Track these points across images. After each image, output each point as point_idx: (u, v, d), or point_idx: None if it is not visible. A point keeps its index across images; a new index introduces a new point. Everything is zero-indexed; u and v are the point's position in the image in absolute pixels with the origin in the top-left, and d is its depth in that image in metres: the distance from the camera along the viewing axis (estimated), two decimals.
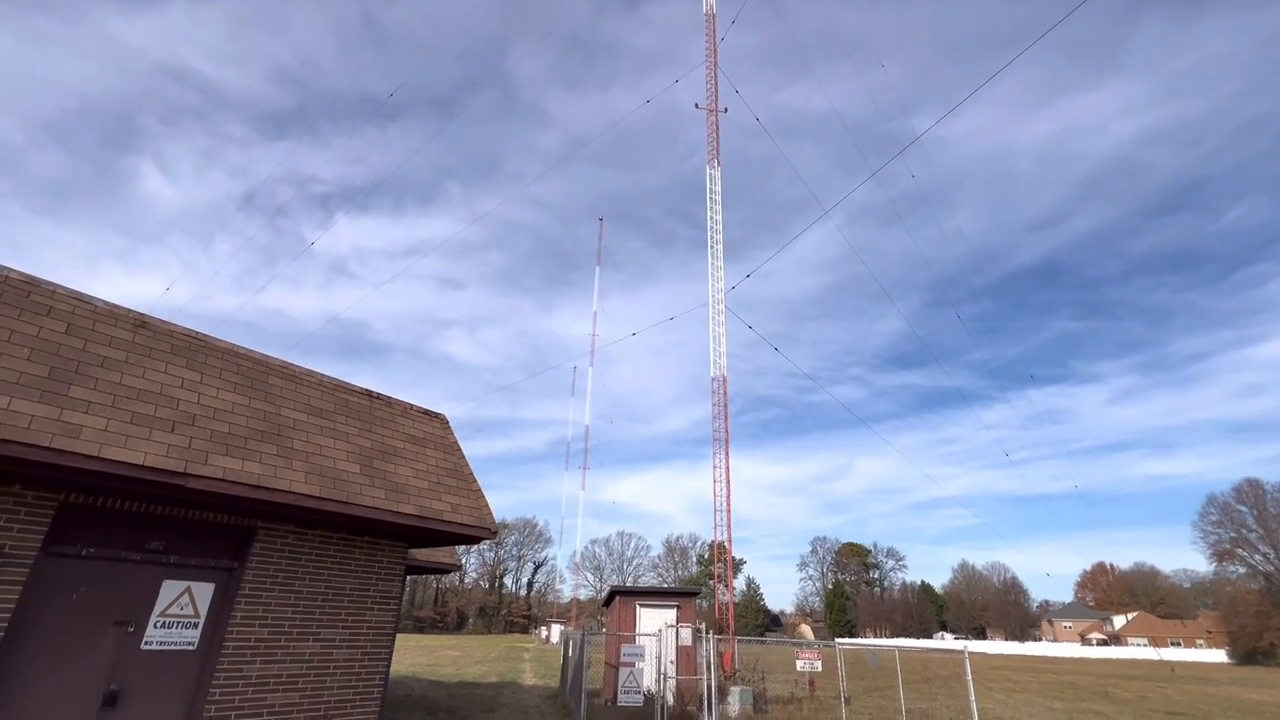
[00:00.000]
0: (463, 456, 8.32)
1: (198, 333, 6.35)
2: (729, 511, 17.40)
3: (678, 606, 14.30)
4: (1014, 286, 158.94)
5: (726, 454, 18.08)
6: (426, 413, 8.38)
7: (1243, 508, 64.10)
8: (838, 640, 15.09)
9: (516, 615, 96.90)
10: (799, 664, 13.41)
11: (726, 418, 18.44)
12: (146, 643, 5.61)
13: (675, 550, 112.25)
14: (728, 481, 17.64)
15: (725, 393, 19.06)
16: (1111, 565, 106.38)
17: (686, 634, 13.35)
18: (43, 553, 5.14)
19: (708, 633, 12.01)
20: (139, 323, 5.91)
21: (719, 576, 16.87)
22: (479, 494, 8.00)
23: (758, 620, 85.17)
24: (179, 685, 5.74)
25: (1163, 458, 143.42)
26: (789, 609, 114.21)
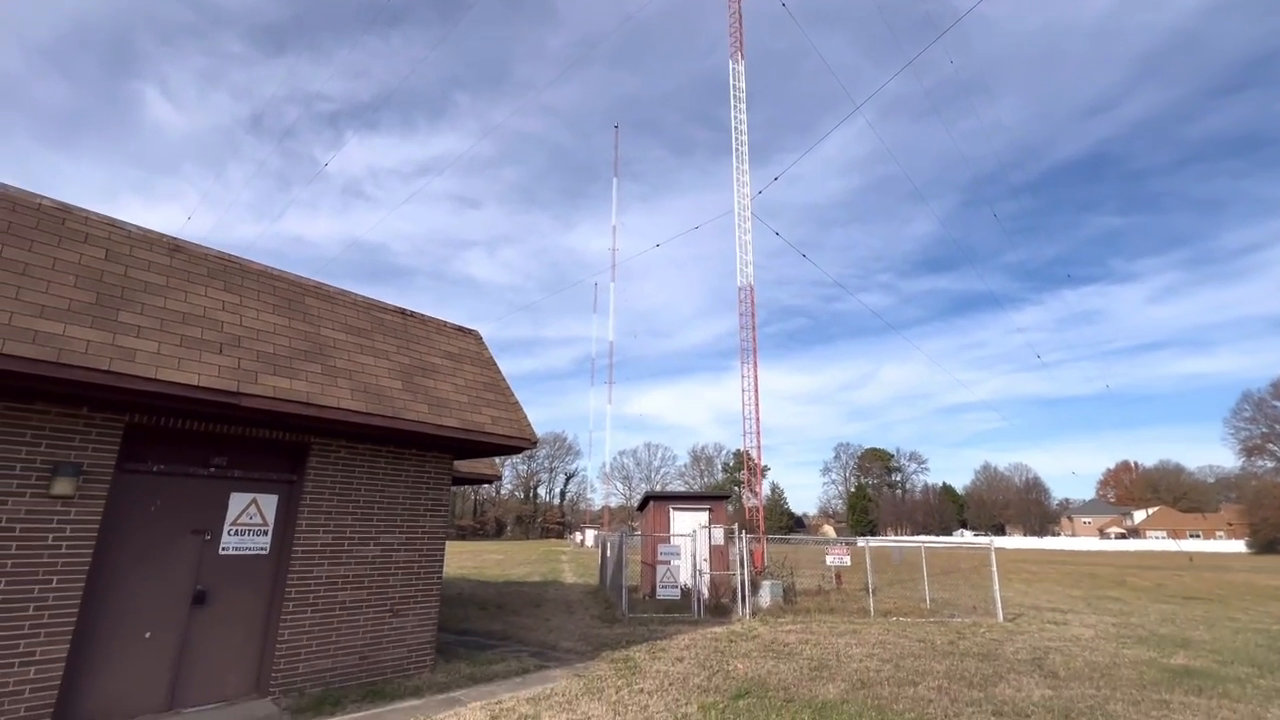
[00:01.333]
0: (498, 371, 8.45)
1: (231, 255, 6.37)
2: (757, 419, 17.66)
3: (709, 509, 14.87)
4: (1055, 182, 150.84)
5: (755, 363, 18.12)
6: (460, 329, 8.45)
7: (1278, 403, 63.19)
8: (867, 538, 15.65)
9: (551, 522, 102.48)
10: (829, 559, 14.03)
11: (754, 327, 18.33)
12: (223, 549, 6.04)
13: (701, 459, 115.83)
14: (755, 390, 17.79)
15: (753, 302, 18.84)
16: (1135, 463, 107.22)
17: (719, 534, 13.96)
18: (118, 470, 5.46)
19: (740, 531, 12.55)
20: (174, 247, 5.92)
21: (747, 481, 17.37)
22: (517, 406, 8.19)
23: (782, 523, 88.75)
24: (257, 585, 6.23)
25: (1199, 356, 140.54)
26: (812, 512, 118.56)
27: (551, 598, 15.92)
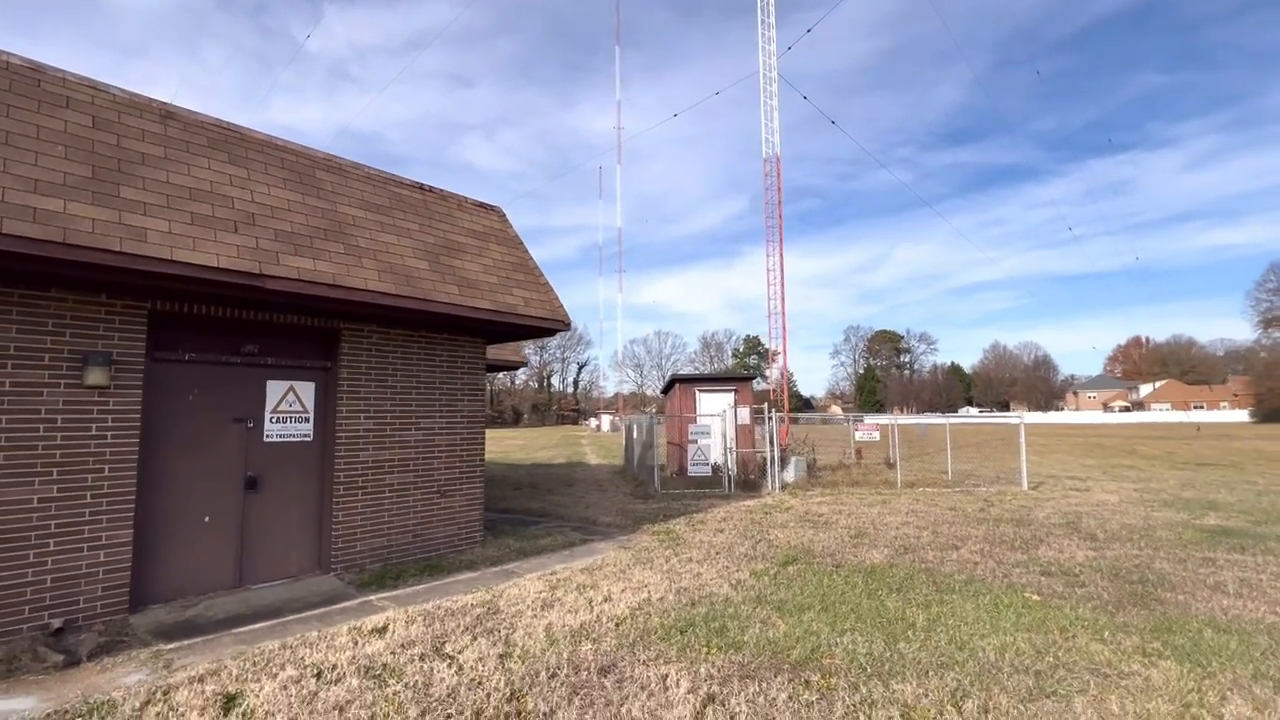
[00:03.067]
0: (525, 250, 8.02)
1: (229, 124, 5.74)
2: (782, 299, 17.24)
3: (735, 390, 14.94)
4: (1095, 38, 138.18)
5: (780, 239, 17.39)
6: (482, 206, 7.91)
7: None
8: (898, 415, 15.77)
9: (565, 410, 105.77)
10: (858, 435, 14.24)
11: (780, 203, 17.40)
12: (268, 436, 5.98)
13: (710, 345, 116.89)
14: (781, 270, 17.21)
15: (779, 175, 17.74)
16: (1146, 338, 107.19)
17: (745, 414, 14.08)
18: (149, 359, 5.25)
19: (770, 410, 12.61)
20: (165, 113, 5.31)
21: (772, 356, 17.27)
22: (548, 287, 7.84)
23: (792, 405, 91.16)
24: (306, 471, 6.24)
25: (1227, 227, 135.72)
26: (819, 394, 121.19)
27: (581, 478, 16.48)
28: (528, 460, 23.64)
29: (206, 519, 5.53)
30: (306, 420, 6.27)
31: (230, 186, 5.36)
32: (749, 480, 13.27)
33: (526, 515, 10.05)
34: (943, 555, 6.95)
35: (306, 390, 6.29)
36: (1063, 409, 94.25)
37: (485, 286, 6.98)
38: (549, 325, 7.70)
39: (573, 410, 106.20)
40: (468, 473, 7.45)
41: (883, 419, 21.25)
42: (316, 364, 6.36)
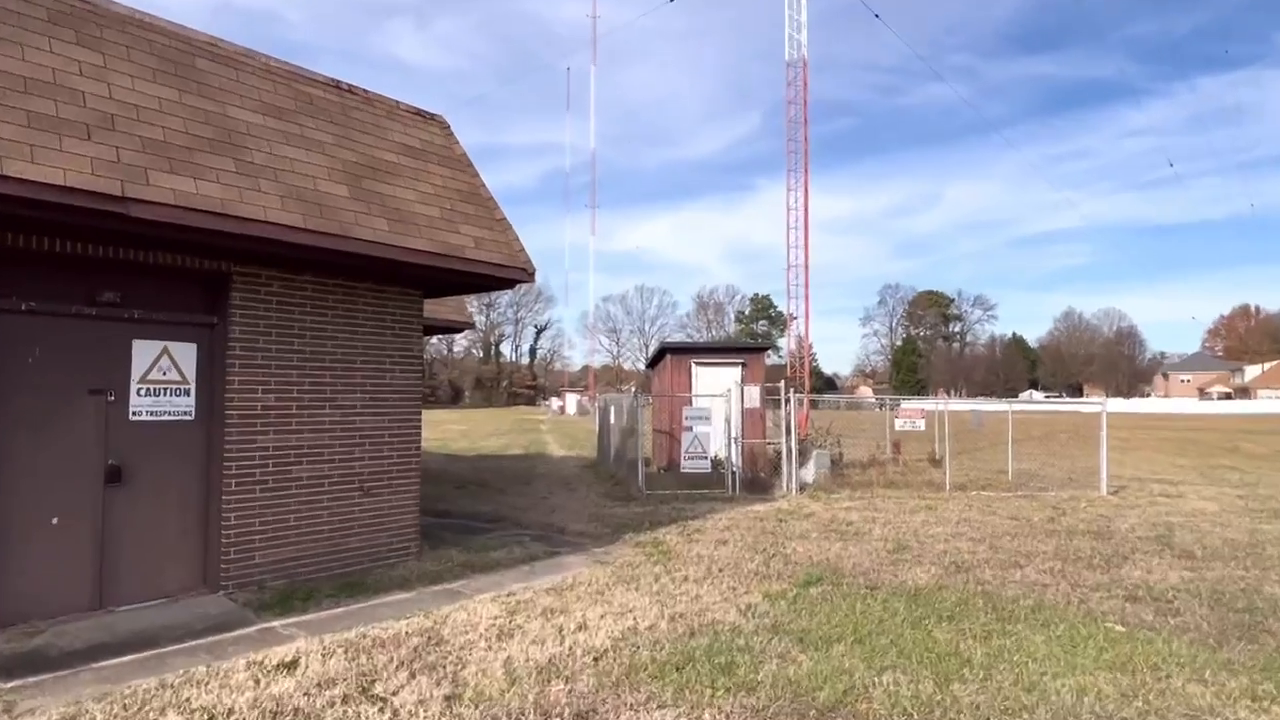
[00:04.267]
0: (476, 174, 7.92)
1: None
2: (806, 249, 17.30)
3: (742, 364, 15.03)
4: None
5: (805, 169, 17.34)
6: (420, 114, 7.74)
7: None
8: (943, 399, 16.04)
9: (519, 386, 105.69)
10: (899, 423, 14.47)
11: (806, 120, 17.28)
12: (134, 413, 5.86)
13: (708, 306, 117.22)
14: (805, 208, 17.21)
15: (805, 82, 17.56)
16: (1257, 308, 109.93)
17: (755, 395, 14.19)
18: None
19: (786, 390, 12.71)
20: None
21: (789, 321, 17.39)
22: (505, 224, 7.77)
23: (813, 385, 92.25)
24: (187, 459, 6.16)
25: None
26: (845, 371, 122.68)
27: (542, 473, 16.54)
28: (472, 450, 23.64)
29: (55, 521, 5.44)
30: (186, 393, 6.16)
31: (80, 78, 5.15)
32: (758, 479, 13.42)
33: (473, 521, 10.09)
34: (1004, 575, 7.11)
35: (186, 354, 6.17)
36: (1149, 395, 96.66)
37: (423, 221, 6.89)
38: (507, 275, 7.65)
39: (528, 387, 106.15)
40: (399, 465, 7.44)
41: (927, 403, 21.57)
42: (199, 319, 6.23)
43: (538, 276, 7.93)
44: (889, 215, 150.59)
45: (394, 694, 4.22)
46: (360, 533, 7.06)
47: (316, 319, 6.78)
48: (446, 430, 34.66)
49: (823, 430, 17.21)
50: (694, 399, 14.39)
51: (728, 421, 13.23)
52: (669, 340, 18.69)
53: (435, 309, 11.60)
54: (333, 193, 6.29)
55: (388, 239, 6.46)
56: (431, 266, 6.88)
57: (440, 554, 7.67)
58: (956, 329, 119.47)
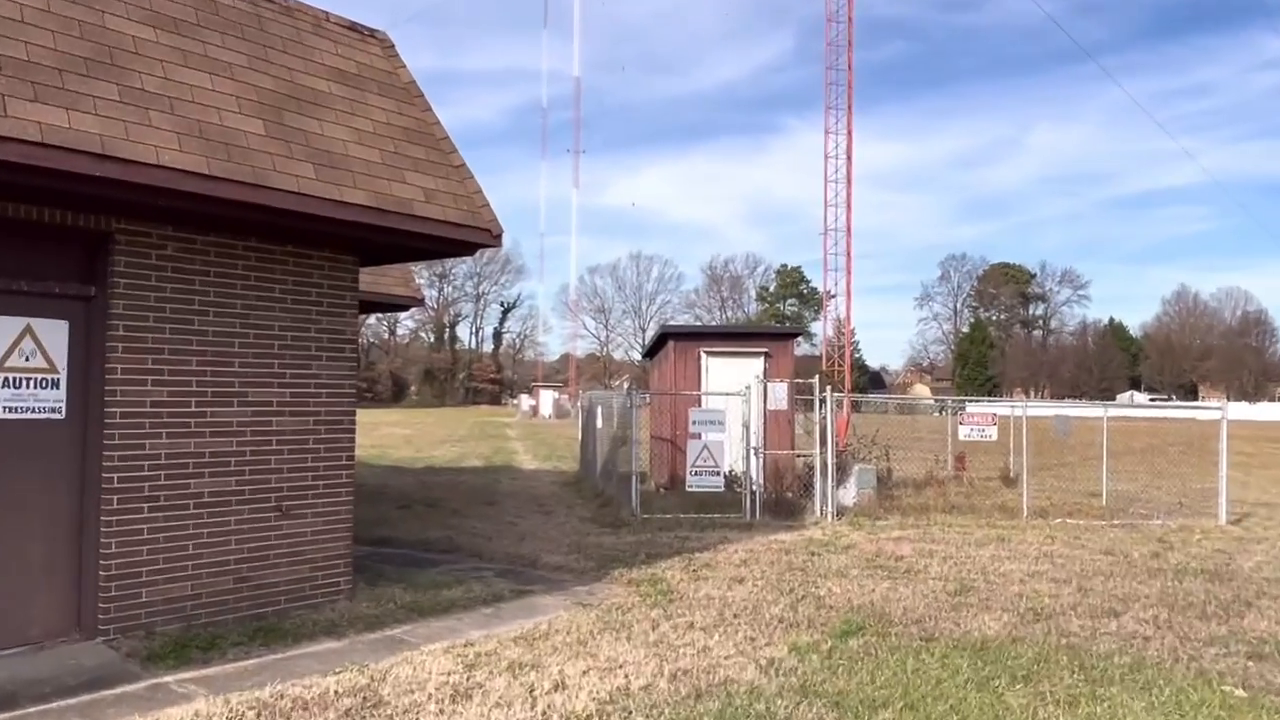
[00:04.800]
0: (429, 108, 7.98)
1: None
2: (848, 207, 17.32)
3: (765, 355, 15.05)
4: None
5: (849, 106, 17.33)
6: (356, 29, 7.77)
7: None
8: (1019, 401, 16.08)
9: (481, 380, 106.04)
10: (964, 431, 14.51)
11: (851, 43, 17.22)
12: None
13: (722, 280, 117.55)
14: (848, 154, 17.23)
15: None
16: None
17: (782, 394, 14.23)
18: None
19: (824, 389, 12.75)
20: None
21: (826, 301, 17.47)
22: (465, 172, 7.82)
23: (856, 381, 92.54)
24: (55, 469, 6.15)
25: None
26: (895, 364, 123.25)
27: (509, 490, 16.59)
28: (420, 461, 23.66)
29: None
30: (55, 384, 6.15)
31: None
32: (785, 500, 13.48)
33: (421, 550, 10.14)
34: (1095, 625, 7.17)
35: (55, 334, 6.16)
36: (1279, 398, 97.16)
37: (359, 167, 6.89)
38: (466, 237, 7.66)
39: (492, 381, 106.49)
40: (327, 478, 7.45)
41: (1000, 407, 21.66)
42: (72, 290, 6.22)
43: (505, 240, 7.95)
44: (954, 166, 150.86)
45: None
46: (278, 564, 7.06)
47: (223, 292, 6.76)
48: (387, 435, 34.73)
49: (867, 439, 17.26)
50: (704, 398, 14.41)
51: (746, 427, 13.25)
52: (672, 323, 18.71)
53: (375, 281, 11.60)
54: (244, 129, 6.25)
55: (315, 190, 6.43)
56: (370, 225, 6.86)
57: (379, 592, 7.68)
58: (1038, 312, 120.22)
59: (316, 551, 7.34)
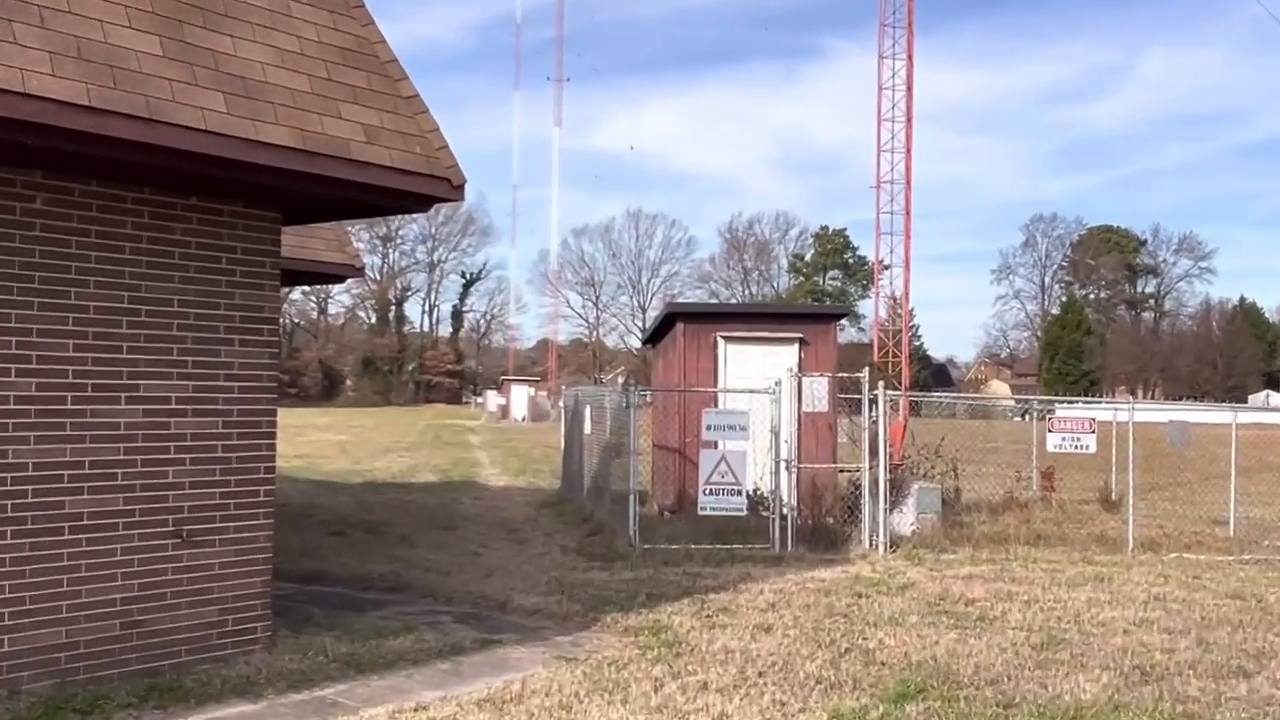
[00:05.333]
0: (371, 21, 8.04)
1: None
2: (908, 150, 17.33)
3: (800, 341, 15.00)
4: None
5: (910, 23, 17.33)
6: None
7: None
8: (1123, 403, 16.11)
9: (436, 371, 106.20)
10: (1052, 441, 14.47)
11: None
12: None
13: (743, 246, 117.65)
14: (908, 80, 17.24)
15: None
16: None
17: (821, 392, 14.19)
18: None
19: (875, 385, 12.73)
20: None
21: (878, 272, 17.48)
22: (417, 104, 7.86)
23: (915, 376, 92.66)
24: None
25: None
26: (964, 355, 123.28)
27: (472, 513, 16.56)
28: (358, 475, 23.63)
29: None
30: None
31: None
32: (824, 528, 13.47)
33: (359, 589, 10.16)
34: (1219, 689, 7.15)
35: None
36: None
37: (283, 97, 6.90)
38: (419, 188, 7.69)
39: (450, 374, 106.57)
40: (240, 497, 7.45)
41: (1099, 409, 21.62)
42: None
43: (468, 192, 7.91)
44: (1042, 102, 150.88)
45: None
46: (177, 605, 7.03)
47: (108, 257, 6.75)
48: (317, 441, 34.76)
49: (929, 451, 17.27)
50: (721, 396, 14.39)
51: (775, 434, 13.23)
52: (681, 301, 18.63)
53: (302, 244, 11.59)
54: (135, 48, 6.21)
55: (225, 126, 6.39)
56: (295, 172, 6.85)
57: (307, 641, 7.68)
58: (1149, 289, 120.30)
59: (226, 589, 7.31)
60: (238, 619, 7.37)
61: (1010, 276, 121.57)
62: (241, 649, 7.33)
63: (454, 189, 7.70)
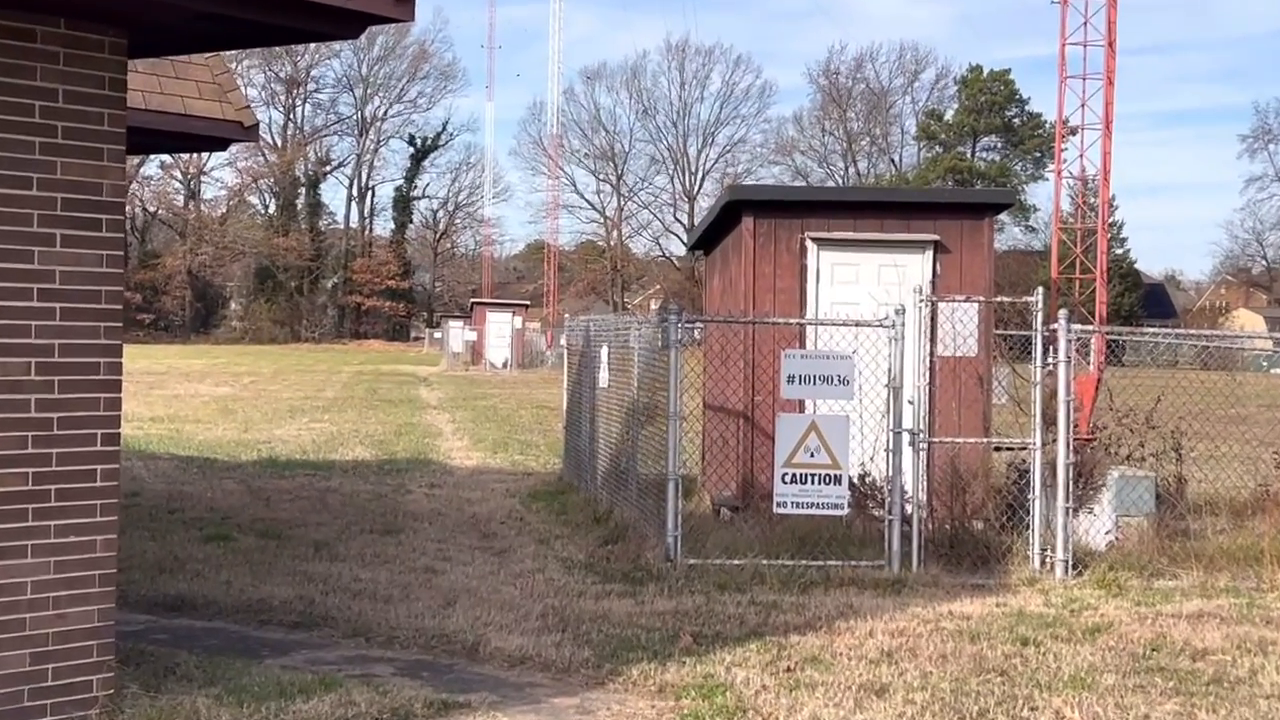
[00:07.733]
0: None
1: None
2: None
3: (935, 246, 14.87)
4: None
5: None
6: None
7: None
8: None
9: (370, 291, 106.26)
10: None
11: None
12: None
13: (846, 98, 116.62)
14: None
15: None
16: None
17: (970, 320, 14.09)
18: None
19: (1052, 319, 12.56)
20: None
21: (1062, 138, 17.39)
22: None
23: (1115, 294, 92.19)
24: None
25: None
26: (1193, 273, 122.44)
27: (426, 509, 16.65)
28: (250, 447, 23.84)
29: None
30: None
31: None
32: (969, 534, 13.45)
33: (252, 623, 10.28)
34: None
35: None
36: None
37: None
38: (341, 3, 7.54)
39: (393, 294, 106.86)
40: (63, 480, 7.42)
41: None
42: None
43: (419, 12, 7.78)
44: None
45: None
46: None
47: None
48: (185, 396, 35.08)
49: (1137, 419, 17.16)
50: (813, 330, 14.35)
51: (894, 390, 13.14)
52: (750, 185, 18.49)
53: (162, 90, 11.57)
54: None
55: None
56: None
57: (169, 705, 7.65)
58: None
59: (42, 624, 7.26)
60: (61, 669, 7.33)
61: (1254, 155, 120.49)
62: (66, 715, 7.32)
63: (405, 10, 7.56)
